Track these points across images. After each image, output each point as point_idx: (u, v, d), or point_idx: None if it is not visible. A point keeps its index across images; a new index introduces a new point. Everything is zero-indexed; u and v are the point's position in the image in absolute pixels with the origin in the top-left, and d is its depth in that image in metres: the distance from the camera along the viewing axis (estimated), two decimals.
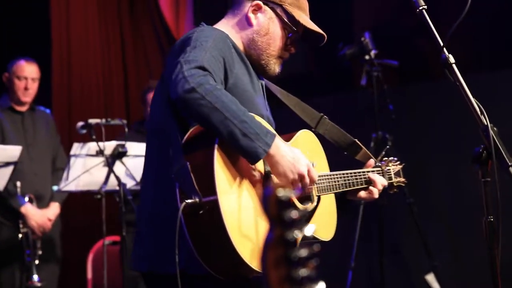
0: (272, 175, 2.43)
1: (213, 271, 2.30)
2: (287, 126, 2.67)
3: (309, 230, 1.24)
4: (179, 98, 2.25)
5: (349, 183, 2.75)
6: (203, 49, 2.35)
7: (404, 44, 6.20)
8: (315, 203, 2.61)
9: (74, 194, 5.29)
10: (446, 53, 2.45)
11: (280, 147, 2.35)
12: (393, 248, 5.77)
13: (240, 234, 2.27)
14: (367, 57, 5.47)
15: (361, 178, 2.80)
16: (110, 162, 4.74)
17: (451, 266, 5.45)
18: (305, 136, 2.70)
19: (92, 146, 4.75)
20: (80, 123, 4.73)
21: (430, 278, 5.32)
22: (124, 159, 4.82)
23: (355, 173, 2.79)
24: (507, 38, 5.92)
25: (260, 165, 2.42)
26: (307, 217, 2.59)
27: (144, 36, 7.05)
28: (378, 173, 2.88)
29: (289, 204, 1.21)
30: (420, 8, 2.51)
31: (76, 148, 4.78)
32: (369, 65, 5.48)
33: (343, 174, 2.73)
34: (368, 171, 2.83)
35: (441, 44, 2.46)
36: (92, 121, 4.72)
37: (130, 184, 4.87)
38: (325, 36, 2.68)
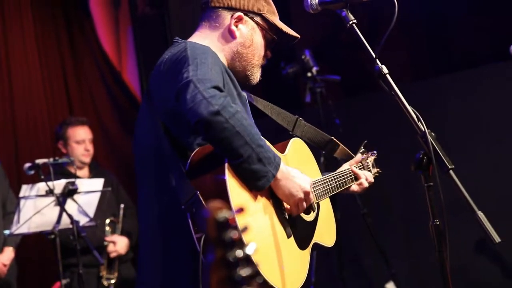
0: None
1: None
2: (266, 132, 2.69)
3: (250, 249, 1.25)
4: (202, 120, 2.19)
5: (340, 183, 2.83)
6: (207, 66, 2.31)
7: (344, 58, 6.30)
8: (315, 212, 2.67)
9: (27, 236, 5.20)
10: (379, 64, 2.50)
11: (284, 170, 2.39)
12: (352, 259, 5.81)
13: (263, 258, 2.28)
14: (309, 74, 5.54)
15: (349, 176, 2.89)
16: (61, 200, 4.68)
17: (409, 272, 5.51)
18: (296, 144, 2.74)
19: (42, 186, 4.68)
20: (27, 164, 4.67)
21: (390, 286, 5.37)
22: (75, 196, 4.77)
23: (342, 172, 2.86)
24: (443, 45, 6.06)
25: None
26: (313, 227, 2.62)
27: (87, 71, 7.00)
28: (359, 168, 2.97)
29: (228, 225, 1.23)
30: (350, 22, 2.56)
31: (25, 190, 4.70)
32: (312, 82, 5.55)
33: (333, 176, 2.79)
34: (353, 168, 2.92)
35: (374, 55, 2.51)
36: (40, 161, 4.66)
37: (83, 221, 4.81)
38: (298, 36, 2.71)
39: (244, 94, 2.62)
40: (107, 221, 5.51)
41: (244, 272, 1.24)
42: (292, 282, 2.40)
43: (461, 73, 5.61)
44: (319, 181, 2.70)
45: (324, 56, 5.93)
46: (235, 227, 1.22)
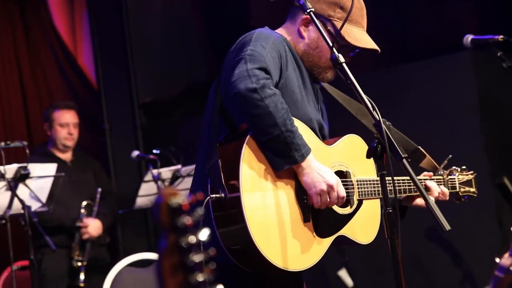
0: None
1: (240, 264, 2.45)
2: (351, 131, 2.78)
3: (204, 234, 1.25)
4: (239, 93, 2.39)
5: (400, 189, 2.82)
6: (264, 49, 2.49)
7: None
8: (354, 207, 2.70)
9: None
10: (336, 53, 2.52)
11: (312, 161, 2.50)
12: None
13: (262, 231, 2.42)
14: None
15: (412, 186, 2.85)
16: (12, 185, 4.62)
17: (362, 260, 5.57)
18: (350, 141, 2.77)
19: None
20: None
21: (343, 273, 5.43)
22: (28, 181, 4.71)
23: (407, 180, 2.84)
24: (404, 37, 6.13)
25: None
26: (344, 220, 2.68)
27: (41, 55, 6.90)
28: (438, 182, 2.95)
29: (181, 211, 1.22)
30: (308, 10, 2.57)
31: None
32: None
33: (395, 180, 2.77)
34: (425, 179, 2.91)
35: (330, 44, 2.53)
36: None
37: (35, 206, 4.75)
38: (378, 49, 2.75)
39: (317, 86, 2.80)
40: (84, 203, 5.51)
41: (197, 258, 1.24)
42: (295, 262, 2.49)
43: (418, 63, 5.67)
44: (369, 181, 2.74)
45: None
46: (188, 213, 1.21)
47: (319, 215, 2.59)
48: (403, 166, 2.39)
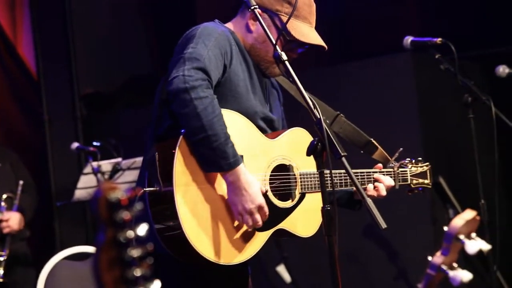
0: (244, 157, 2.56)
1: (174, 254, 2.50)
2: (303, 123, 2.77)
3: (141, 230, 1.25)
4: (171, 91, 2.44)
5: (343, 183, 2.83)
6: (206, 47, 2.51)
7: None
8: (295, 201, 2.72)
9: None
10: (279, 50, 2.54)
11: (241, 174, 2.48)
12: None
13: (195, 225, 2.45)
14: None
15: (362, 179, 2.86)
16: None
17: (300, 256, 5.62)
18: (295, 134, 2.78)
19: None
20: None
21: (281, 269, 5.47)
22: None
23: (355, 173, 2.81)
24: (346, 36, 6.20)
25: None
26: (284, 214, 2.68)
27: None
28: (388, 174, 2.95)
29: (120, 206, 1.22)
30: (252, 7, 2.59)
31: None
32: None
33: (338, 174, 2.79)
34: (375, 171, 2.91)
35: (273, 42, 2.55)
36: None
37: None
38: (325, 46, 2.78)
39: (266, 80, 2.81)
40: (4, 196, 5.37)
41: (135, 252, 1.24)
42: (228, 256, 2.52)
43: (359, 62, 5.74)
44: (312, 174, 2.75)
45: None
46: (127, 208, 1.21)
47: None
48: (342, 164, 2.43)
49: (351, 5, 6.11)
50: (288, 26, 2.69)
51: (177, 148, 2.45)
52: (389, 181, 2.92)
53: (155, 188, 2.47)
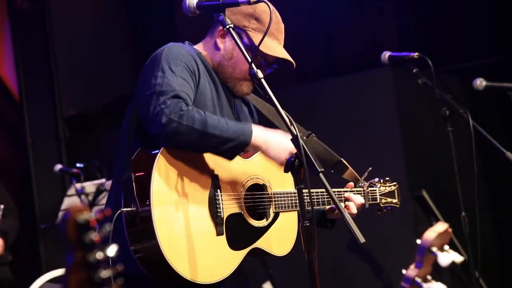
0: (220, 177, 2.60)
1: (153, 276, 2.49)
2: None
3: (111, 251, 1.26)
4: (160, 133, 2.44)
5: (320, 201, 2.84)
6: (174, 73, 2.53)
7: None
8: (270, 220, 2.72)
9: None
10: (254, 68, 2.55)
11: (261, 134, 2.57)
12: None
13: (172, 245, 2.45)
14: None
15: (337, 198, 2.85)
16: None
17: (286, 273, 5.62)
18: None
19: None
20: None
21: (267, 286, 5.47)
22: None
23: (325, 193, 2.84)
24: (328, 52, 6.25)
25: (207, 171, 2.57)
26: (259, 233, 2.70)
27: None
28: (358, 193, 2.97)
29: (89, 227, 1.22)
30: (227, 27, 2.60)
31: None
32: None
33: (314, 192, 2.80)
34: (345, 191, 2.93)
35: (249, 60, 2.56)
36: None
37: None
38: (293, 62, 2.78)
39: (235, 100, 2.83)
40: None
41: (105, 274, 1.24)
42: (205, 275, 2.53)
43: (340, 77, 5.79)
44: (285, 193, 2.77)
45: None
46: (96, 229, 1.22)
47: (234, 228, 2.63)
48: (319, 180, 2.44)
49: (331, 22, 6.16)
50: (256, 41, 2.69)
51: (154, 167, 2.46)
52: (359, 199, 2.94)
53: (132, 209, 2.46)
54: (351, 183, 3.03)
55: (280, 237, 2.78)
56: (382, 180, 3.13)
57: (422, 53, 3.77)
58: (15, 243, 5.52)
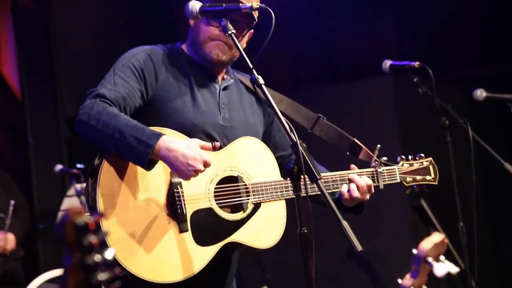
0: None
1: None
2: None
3: (109, 253, 1.27)
4: (75, 131, 2.52)
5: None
6: (114, 72, 2.62)
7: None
8: (247, 212, 2.67)
9: None
10: (256, 74, 2.56)
11: (168, 146, 2.46)
12: None
13: (126, 248, 2.44)
14: None
15: (334, 181, 2.79)
16: None
17: (283, 278, 5.62)
18: (244, 144, 2.74)
19: None
20: None
21: None
22: None
23: (330, 176, 2.78)
24: (328, 58, 6.26)
25: (165, 169, 2.53)
26: (234, 226, 2.64)
27: None
28: (369, 174, 2.84)
29: (88, 230, 1.24)
30: (229, 32, 2.61)
31: None
32: None
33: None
34: (349, 172, 2.82)
35: (250, 66, 2.57)
36: None
37: None
38: (268, 9, 2.66)
39: (216, 86, 2.78)
40: None
41: (103, 276, 1.25)
42: (167, 274, 2.51)
43: (341, 84, 5.79)
44: (265, 183, 2.72)
45: None
46: (95, 232, 1.23)
47: (201, 224, 2.59)
48: (318, 188, 2.44)
49: (332, 29, 6.17)
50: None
51: (100, 171, 2.47)
52: (365, 180, 2.82)
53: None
54: (353, 165, 2.89)
55: (263, 229, 2.71)
56: (410, 157, 2.98)
57: (423, 62, 3.78)
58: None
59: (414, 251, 1.69)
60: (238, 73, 2.95)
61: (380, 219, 5.18)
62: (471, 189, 3.70)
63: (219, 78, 2.85)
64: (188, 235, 2.56)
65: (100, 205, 2.45)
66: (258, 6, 2.64)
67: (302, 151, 2.44)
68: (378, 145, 2.91)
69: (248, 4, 2.64)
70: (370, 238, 4.94)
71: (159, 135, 2.48)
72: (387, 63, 3.88)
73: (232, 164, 2.69)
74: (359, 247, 2.41)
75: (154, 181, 2.54)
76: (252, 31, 2.84)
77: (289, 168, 2.48)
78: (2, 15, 6.93)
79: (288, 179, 2.49)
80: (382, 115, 5.44)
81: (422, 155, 2.97)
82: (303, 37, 6.13)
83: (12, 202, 5.46)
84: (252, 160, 2.73)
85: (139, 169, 2.52)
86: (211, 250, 2.60)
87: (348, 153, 2.96)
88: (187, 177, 2.49)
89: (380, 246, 5.10)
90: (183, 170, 2.47)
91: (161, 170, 2.56)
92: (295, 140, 2.45)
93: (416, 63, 3.75)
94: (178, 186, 2.56)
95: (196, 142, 2.54)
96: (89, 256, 1.24)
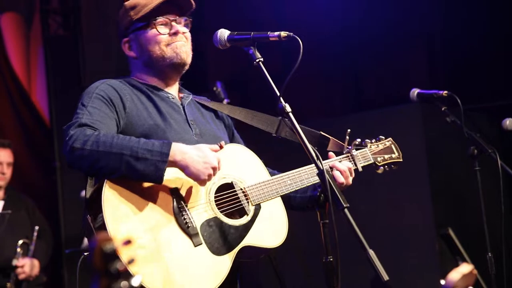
0: (179, 189, 2.54)
1: None
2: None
3: (136, 281, 1.27)
4: (68, 163, 2.48)
5: (298, 183, 2.78)
6: (84, 106, 2.59)
7: (256, 92, 6.40)
8: (251, 214, 2.67)
9: None
10: (283, 102, 2.56)
11: (182, 150, 2.48)
12: None
13: (146, 270, 2.40)
14: None
15: (312, 173, 2.81)
16: None
17: None
18: (230, 151, 2.75)
19: None
20: None
21: None
22: None
23: (303, 170, 2.81)
24: (358, 87, 6.26)
25: (163, 188, 2.51)
26: (243, 230, 2.64)
27: None
28: (346, 159, 2.91)
29: (115, 256, 1.24)
30: (257, 60, 2.62)
31: None
32: None
33: (289, 175, 2.77)
34: (331, 161, 2.87)
35: (278, 94, 2.57)
36: None
37: None
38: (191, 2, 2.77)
39: (179, 105, 2.80)
40: (19, 242, 5.41)
41: None
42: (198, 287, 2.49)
43: (370, 112, 5.78)
44: (260, 183, 2.73)
45: (236, 88, 6.00)
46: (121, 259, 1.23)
47: (212, 234, 2.58)
48: (344, 216, 2.42)
49: (361, 57, 6.18)
50: (136, 17, 2.77)
51: (102, 202, 2.43)
52: (346, 164, 2.88)
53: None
54: (331, 153, 2.95)
55: (269, 227, 2.72)
56: (373, 140, 3.10)
57: (452, 91, 3.76)
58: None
59: (442, 281, 1.67)
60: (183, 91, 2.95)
61: (407, 248, 5.13)
62: (500, 219, 3.65)
63: (177, 96, 2.86)
64: (204, 248, 2.56)
65: (112, 230, 2.40)
66: (286, 35, 2.65)
67: (329, 179, 2.44)
68: (348, 130, 3.00)
69: (276, 33, 2.65)
70: (397, 268, 4.89)
71: (169, 142, 2.50)
72: (415, 91, 3.87)
73: (223, 171, 2.68)
74: (385, 277, 2.38)
75: (157, 199, 2.53)
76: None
77: (316, 196, 2.48)
78: (34, 43, 7.04)
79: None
80: (410, 143, 5.41)
81: (382, 136, 3.12)
82: (333, 63, 6.15)
83: (37, 227, 5.50)
84: (240, 164, 2.75)
85: (140, 190, 2.50)
86: (228, 258, 2.60)
87: (316, 147, 2.97)
88: (205, 176, 2.51)
89: (406, 275, 5.04)
90: (200, 170, 2.50)
91: (160, 187, 2.55)
92: (322, 168, 2.45)
93: (444, 92, 3.73)
94: (182, 202, 2.56)
95: (202, 144, 2.58)
96: (116, 282, 1.24)
